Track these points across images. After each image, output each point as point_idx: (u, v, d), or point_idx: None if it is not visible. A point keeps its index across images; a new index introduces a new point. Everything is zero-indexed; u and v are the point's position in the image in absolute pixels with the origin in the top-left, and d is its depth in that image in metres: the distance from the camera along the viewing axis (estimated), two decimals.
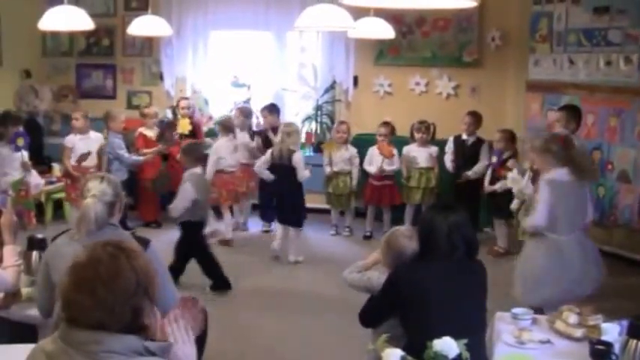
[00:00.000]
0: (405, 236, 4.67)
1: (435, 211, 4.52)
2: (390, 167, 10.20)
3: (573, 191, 6.46)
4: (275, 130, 10.21)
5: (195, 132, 10.83)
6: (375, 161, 10.24)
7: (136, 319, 2.71)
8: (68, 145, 9.83)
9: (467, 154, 9.97)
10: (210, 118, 11.80)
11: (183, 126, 10.81)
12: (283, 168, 9.15)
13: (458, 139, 10.10)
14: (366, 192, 10.45)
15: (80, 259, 2.73)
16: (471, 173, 9.86)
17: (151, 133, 10.67)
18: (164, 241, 7.99)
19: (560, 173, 6.36)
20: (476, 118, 10.03)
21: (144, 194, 10.59)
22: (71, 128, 10.04)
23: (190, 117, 10.98)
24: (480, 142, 9.97)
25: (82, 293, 2.66)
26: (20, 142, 8.85)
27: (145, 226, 10.44)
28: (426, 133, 10.18)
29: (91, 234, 4.24)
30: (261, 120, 11.16)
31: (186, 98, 11.39)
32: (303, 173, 9.13)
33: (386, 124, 10.31)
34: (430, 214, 4.58)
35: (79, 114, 10.02)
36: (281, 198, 9.42)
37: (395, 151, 10.20)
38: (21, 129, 9.12)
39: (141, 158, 10.31)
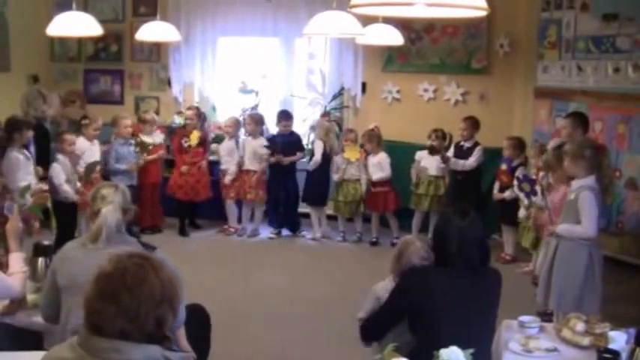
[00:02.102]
0: (421, 257, 4.63)
1: (448, 215, 4.45)
2: (379, 175, 10.25)
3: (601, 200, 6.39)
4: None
5: (203, 144, 10.84)
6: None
7: (159, 329, 2.71)
8: (77, 152, 9.61)
9: (463, 158, 9.91)
10: (219, 127, 11.68)
11: (193, 138, 10.70)
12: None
13: (457, 145, 10.08)
14: (365, 198, 10.49)
15: (105, 269, 2.73)
16: (452, 161, 9.88)
17: (149, 139, 10.60)
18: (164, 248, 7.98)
19: (592, 180, 6.29)
20: (471, 123, 10.00)
21: (144, 199, 10.51)
22: (83, 134, 9.87)
23: (198, 128, 10.85)
24: (476, 145, 9.94)
25: (107, 301, 2.66)
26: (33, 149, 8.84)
27: (141, 232, 10.34)
28: (439, 141, 10.14)
29: (108, 240, 4.31)
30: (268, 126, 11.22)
31: (194, 107, 11.22)
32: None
33: (370, 130, 10.52)
34: (443, 218, 4.54)
35: (99, 124, 10.00)
36: (314, 184, 10.62)
37: (379, 159, 10.30)
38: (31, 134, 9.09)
39: (123, 167, 10.09)
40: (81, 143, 9.70)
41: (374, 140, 10.32)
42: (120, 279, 2.68)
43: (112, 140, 10.18)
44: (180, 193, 10.69)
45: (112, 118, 10.35)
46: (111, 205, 4.41)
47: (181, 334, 4.59)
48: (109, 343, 2.63)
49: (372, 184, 10.27)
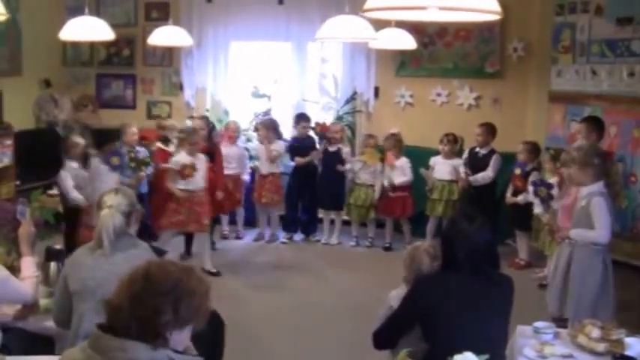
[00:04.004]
0: (429, 254, 4.60)
1: (456, 221, 4.44)
2: (402, 179, 10.27)
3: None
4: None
5: (214, 156, 9.84)
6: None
7: (152, 318, 2.68)
8: (175, 166, 9.03)
9: (478, 165, 9.90)
10: (231, 138, 11.29)
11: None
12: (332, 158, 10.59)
13: (472, 151, 10.06)
14: (381, 203, 10.46)
15: (155, 276, 2.75)
16: (472, 179, 9.87)
17: (163, 147, 10.01)
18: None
19: (601, 185, 6.24)
20: (487, 129, 9.96)
21: (157, 205, 10.29)
22: (182, 148, 9.18)
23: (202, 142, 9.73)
24: (492, 153, 9.91)
25: (121, 298, 2.69)
26: (116, 160, 8.59)
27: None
28: (450, 145, 10.11)
29: (111, 244, 4.28)
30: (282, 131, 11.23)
31: (203, 117, 10.60)
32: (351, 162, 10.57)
33: (393, 135, 10.57)
34: (450, 224, 4.52)
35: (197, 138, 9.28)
36: (328, 188, 10.68)
37: (400, 163, 10.31)
38: (117, 145, 8.91)
39: (126, 180, 8.99)
40: (181, 157, 9.07)
41: (397, 145, 10.32)
42: (172, 290, 2.69)
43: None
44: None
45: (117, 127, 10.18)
46: (108, 209, 4.41)
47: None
48: (115, 342, 2.63)
49: (393, 188, 10.26)
